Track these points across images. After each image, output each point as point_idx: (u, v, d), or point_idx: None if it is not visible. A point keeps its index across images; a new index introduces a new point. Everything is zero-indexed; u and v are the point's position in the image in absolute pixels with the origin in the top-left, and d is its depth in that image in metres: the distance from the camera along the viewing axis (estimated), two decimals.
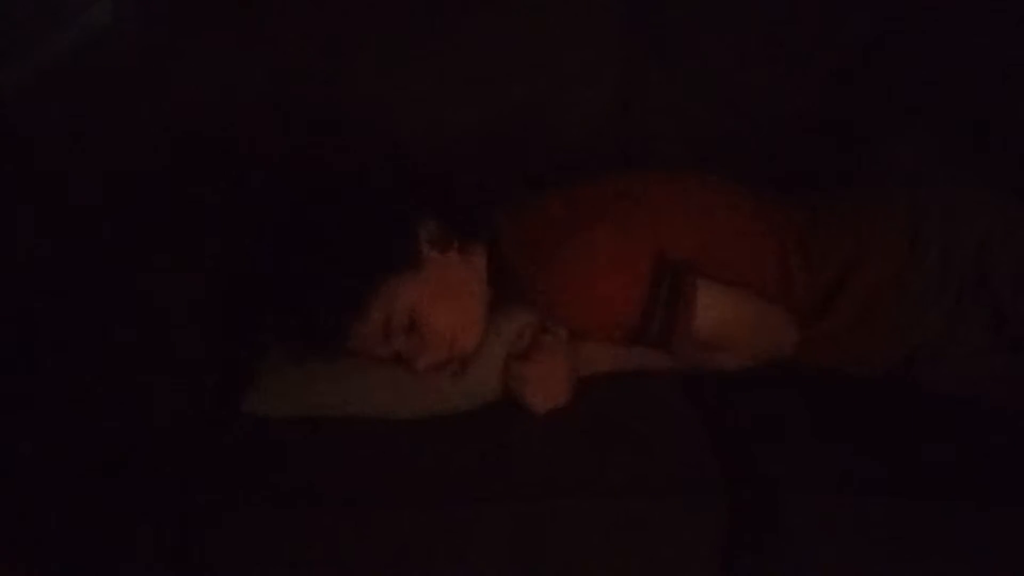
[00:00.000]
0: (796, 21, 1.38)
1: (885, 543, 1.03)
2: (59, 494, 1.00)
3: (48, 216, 1.10)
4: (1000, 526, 1.04)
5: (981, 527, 1.04)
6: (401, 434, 1.10)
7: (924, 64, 1.39)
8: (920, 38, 1.39)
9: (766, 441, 1.10)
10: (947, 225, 1.15)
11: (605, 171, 1.26)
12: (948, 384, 1.13)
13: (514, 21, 1.35)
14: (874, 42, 1.38)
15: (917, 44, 1.39)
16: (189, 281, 1.15)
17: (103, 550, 1.02)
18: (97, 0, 1.41)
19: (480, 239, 1.15)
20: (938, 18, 1.38)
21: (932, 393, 1.13)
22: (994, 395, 1.11)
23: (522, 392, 1.10)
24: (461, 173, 1.31)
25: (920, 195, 1.20)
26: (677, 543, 1.05)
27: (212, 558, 1.03)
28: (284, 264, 1.07)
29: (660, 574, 1.07)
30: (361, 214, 1.09)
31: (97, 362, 1.06)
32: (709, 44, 1.38)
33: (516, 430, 1.09)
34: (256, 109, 1.34)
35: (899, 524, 1.03)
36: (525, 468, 1.05)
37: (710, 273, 1.13)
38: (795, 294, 1.17)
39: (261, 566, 1.04)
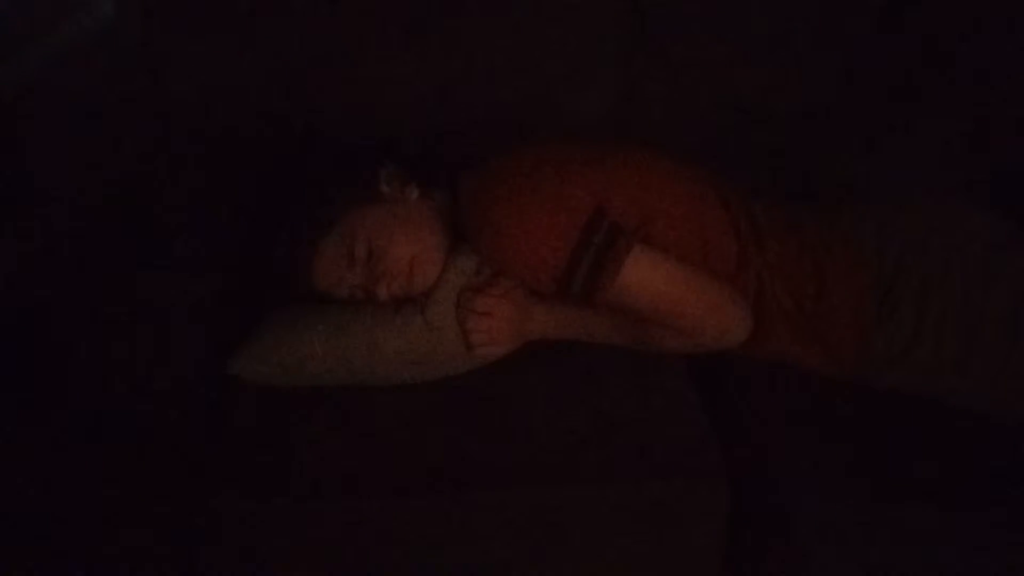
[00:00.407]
0: (795, 19, 1.38)
1: (891, 548, 1.03)
2: (56, 492, 1.01)
3: (44, 212, 1.11)
4: (1004, 532, 1.04)
5: (986, 533, 1.04)
6: (406, 421, 1.11)
7: (925, 64, 1.39)
8: (921, 38, 1.39)
9: (772, 438, 1.11)
10: (925, 276, 1.12)
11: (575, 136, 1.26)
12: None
13: (513, 18, 1.35)
14: (873, 41, 1.38)
15: (918, 43, 1.39)
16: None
17: (102, 546, 1.01)
18: (95, 1, 1.41)
19: (440, 189, 1.21)
20: (940, 18, 1.38)
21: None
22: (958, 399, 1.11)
23: (465, 321, 1.13)
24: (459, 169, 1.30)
25: (897, 232, 1.17)
26: (678, 529, 1.07)
27: (214, 550, 1.03)
28: (262, 208, 1.18)
29: (664, 560, 1.08)
30: (326, 161, 1.21)
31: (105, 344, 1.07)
32: (708, 42, 1.38)
33: (522, 417, 1.11)
34: (255, 106, 1.35)
35: (902, 527, 1.03)
36: (531, 455, 1.06)
37: (655, 237, 1.11)
38: (753, 288, 1.15)
39: (265, 557, 1.05)
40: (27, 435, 1.01)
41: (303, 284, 1.16)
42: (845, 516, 1.03)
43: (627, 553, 1.08)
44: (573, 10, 1.35)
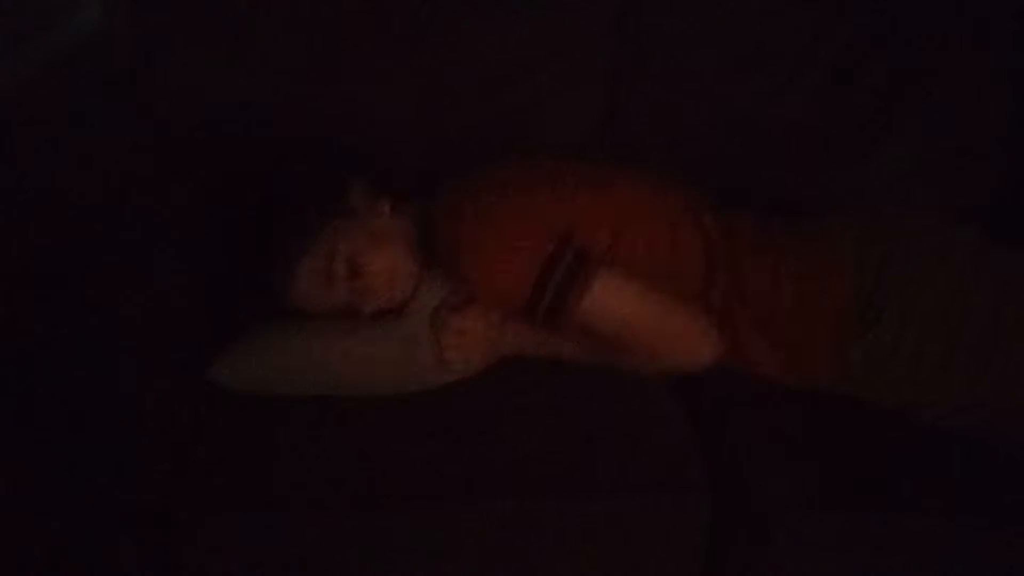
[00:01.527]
0: (783, 32, 1.39)
1: (869, 558, 1.05)
2: (40, 500, 1.00)
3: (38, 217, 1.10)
4: (980, 541, 1.05)
5: (962, 541, 1.05)
6: (389, 433, 1.11)
7: (910, 79, 1.40)
8: (907, 53, 1.40)
9: (755, 452, 1.11)
10: (905, 286, 1.13)
11: (550, 155, 1.26)
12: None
13: (502, 30, 1.36)
14: (861, 56, 1.39)
15: (904, 59, 1.40)
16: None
17: (86, 556, 1.01)
18: (83, 6, 1.41)
19: (413, 204, 1.21)
20: (924, 33, 1.40)
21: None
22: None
23: (440, 337, 1.14)
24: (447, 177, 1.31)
25: (879, 236, 1.18)
26: (660, 543, 1.07)
27: (195, 561, 1.03)
28: (239, 216, 1.18)
29: (644, 572, 1.09)
30: (299, 177, 1.20)
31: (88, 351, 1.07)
32: (696, 54, 1.39)
33: (505, 431, 1.11)
34: (246, 114, 1.35)
35: (881, 540, 1.05)
36: (514, 467, 1.06)
37: (625, 261, 1.12)
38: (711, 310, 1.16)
39: (247, 569, 1.04)
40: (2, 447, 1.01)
41: (284, 304, 1.17)
42: (823, 526, 1.04)
43: (607, 565, 1.08)
44: (560, 25, 1.36)
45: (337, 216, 1.16)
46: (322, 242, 1.14)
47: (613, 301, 1.09)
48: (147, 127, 1.33)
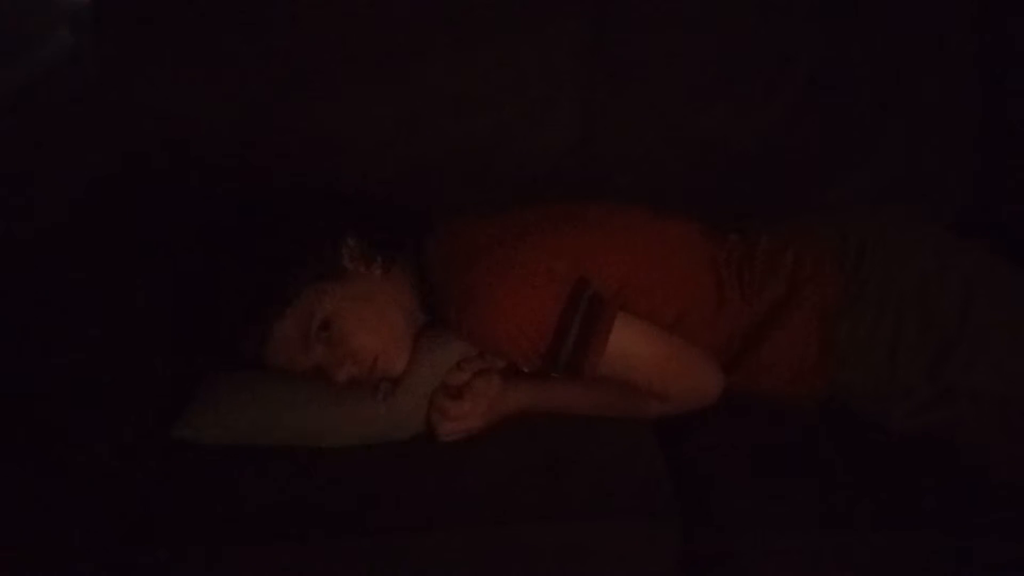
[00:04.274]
0: (753, 56, 1.40)
1: None
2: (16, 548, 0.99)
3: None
4: (951, 559, 1.06)
5: (934, 559, 1.06)
6: (357, 464, 1.10)
7: (878, 94, 1.42)
8: (873, 69, 1.41)
9: (723, 474, 1.12)
10: (885, 260, 1.17)
11: (544, 198, 1.26)
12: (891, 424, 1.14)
13: (475, 55, 1.36)
14: (829, 75, 1.41)
15: (871, 75, 1.41)
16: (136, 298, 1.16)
17: None
18: (54, 31, 1.40)
19: (406, 259, 1.16)
20: (891, 47, 1.41)
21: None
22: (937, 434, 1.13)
23: (438, 424, 1.11)
24: (421, 203, 1.31)
25: (857, 227, 1.22)
26: (631, 568, 1.07)
27: None
28: (210, 268, 1.11)
29: None
30: (285, 224, 1.12)
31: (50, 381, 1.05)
32: (668, 79, 1.39)
33: (475, 457, 1.11)
34: (216, 138, 1.35)
35: (848, 557, 1.06)
36: (483, 493, 1.06)
37: (636, 301, 1.13)
38: (726, 326, 1.17)
39: None
40: None
41: (252, 359, 1.11)
42: (792, 546, 1.05)
43: None
44: (532, 51, 1.36)
45: (323, 279, 1.09)
46: (305, 302, 1.07)
47: (632, 342, 1.10)
48: (115, 151, 1.32)
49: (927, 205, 1.43)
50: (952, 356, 1.10)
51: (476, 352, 1.14)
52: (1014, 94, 1.43)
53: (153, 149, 1.34)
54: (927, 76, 1.42)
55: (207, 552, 1.02)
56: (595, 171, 1.42)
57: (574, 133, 1.40)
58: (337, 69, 1.34)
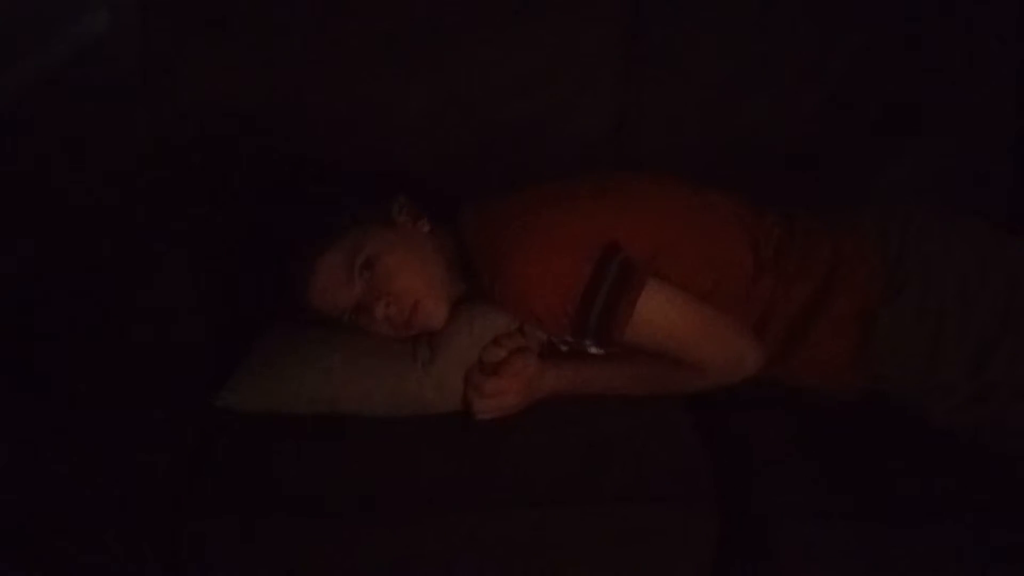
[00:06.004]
0: (792, 43, 1.39)
1: (875, 569, 1.04)
2: (41, 513, 1.00)
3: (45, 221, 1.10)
4: (987, 553, 1.05)
5: (969, 553, 1.05)
6: (396, 444, 1.10)
7: (921, 86, 1.41)
8: (917, 60, 1.41)
9: (761, 464, 1.11)
10: (927, 255, 1.15)
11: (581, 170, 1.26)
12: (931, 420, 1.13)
13: (511, 40, 1.36)
14: (867, 70, 1.40)
15: (913, 66, 1.41)
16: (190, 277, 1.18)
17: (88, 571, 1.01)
18: (93, 10, 1.41)
19: (446, 229, 1.17)
20: (931, 40, 1.40)
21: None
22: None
23: (473, 401, 1.11)
24: (457, 190, 1.31)
25: (898, 222, 1.20)
26: (667, 555, 1.07)
27: (202, 566, 1.03)
28: (266, 212, 1.15)
29: None
30: (336, 176, 1.18)
31: (97, 361, 1.06)
32: (705, 65, 1.39)
33: (513, 440, 1.10)
34: (255, 118, 1.35)
35: (884, 551, 1.04)
36: (521, 477, 1.06)
37: (669, 268, 1.11)
38: (758, 305, 1.15)
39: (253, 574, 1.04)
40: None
41: (298, 297, 1.11)
42: (828, 537, 1.04)
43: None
44: (569, 36, 1.37)
45: (373, 223, 1.12)
46: (354, 236, 1.10)
47: (663, 308, 1.09)
48: (155, 130, 1.33)
49: (966, 203, 1.41)
50: (994, 352, 1.09)
51: (515, 328, 1.14)
52: None
53: (196, 133, 1.35)
54: (967, 72, 1.41)
55: (241, 523, 1.02)
56: (631, 156, 1.41)
57: (608, 122, 1.40)
58: (372, 53, 1.35)
